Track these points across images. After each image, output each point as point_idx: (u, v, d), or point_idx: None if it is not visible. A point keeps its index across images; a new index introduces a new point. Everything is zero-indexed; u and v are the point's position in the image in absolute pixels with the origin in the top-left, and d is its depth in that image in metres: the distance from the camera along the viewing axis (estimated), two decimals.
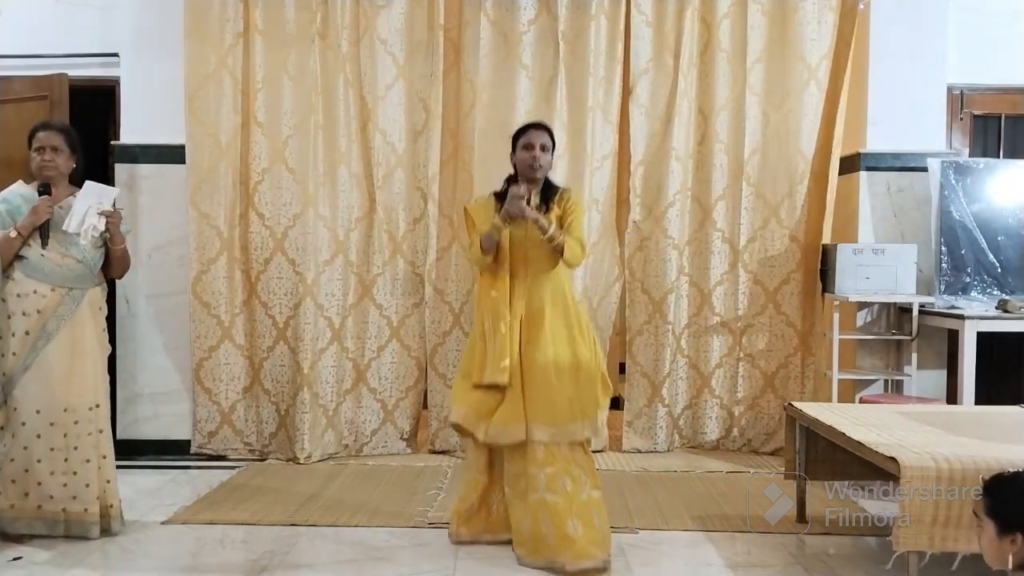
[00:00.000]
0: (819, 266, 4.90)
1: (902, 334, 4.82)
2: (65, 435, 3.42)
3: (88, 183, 3.49)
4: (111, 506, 3.56)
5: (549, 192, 3.46)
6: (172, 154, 4.85)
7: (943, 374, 4.83)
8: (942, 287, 4.66)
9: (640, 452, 5.01)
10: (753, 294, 5.03)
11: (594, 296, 4.96)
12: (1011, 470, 2.18)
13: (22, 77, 4.88)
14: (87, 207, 3.43)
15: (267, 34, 4.82)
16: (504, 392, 3.32)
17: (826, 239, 4.88)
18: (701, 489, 4.33)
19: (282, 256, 4.84)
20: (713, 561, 3.40)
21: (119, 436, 4.77)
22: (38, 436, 3.41)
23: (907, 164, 4.85)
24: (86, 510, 3.47)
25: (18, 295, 3.41)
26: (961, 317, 4.38)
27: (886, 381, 4.96)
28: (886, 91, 4.87)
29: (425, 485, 4.35)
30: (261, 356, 4.90)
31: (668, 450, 5.04)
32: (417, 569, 3.30)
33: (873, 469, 3.13)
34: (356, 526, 3.75)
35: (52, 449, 3.42)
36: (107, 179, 4.57)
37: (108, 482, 3.55)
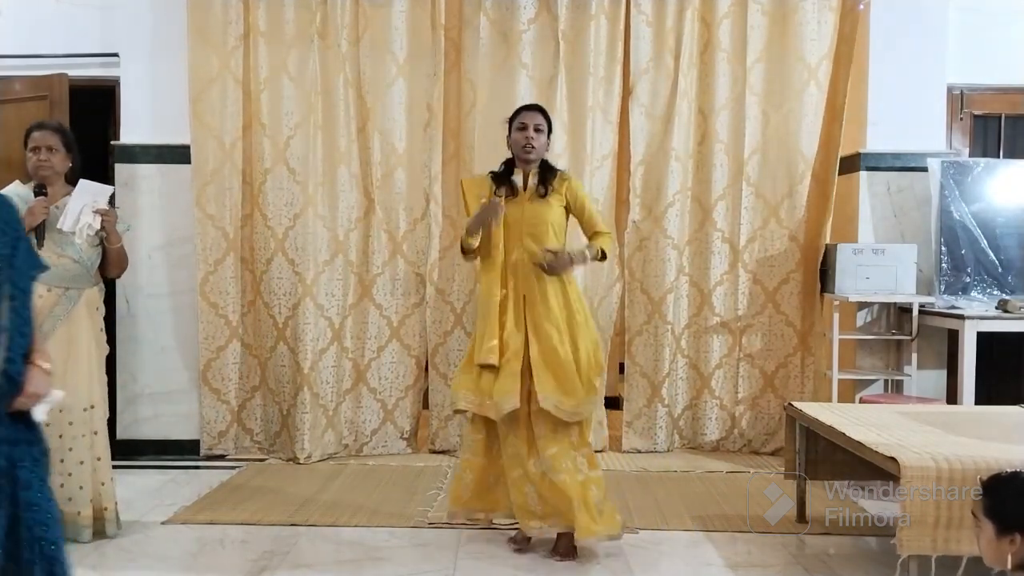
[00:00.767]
0: (819, 266, 4.90)
1: (902, 334, 4.82)
2: (60, 436, 3.38)
3: (83, 181, 3.48)
4: (106, 509, 3.54)
5: (548, 175, 3.45)
6: (172, 154, 4.85)
7: (943, 374, 4.83)
8: (942, 287, 4.66)
9: (640, 452, 5.01)
10: (753, 294, 5.03)
11: (595, 296, 4.96)
12: (1009, 470, 2.18)
13: (22, 77, 4.88)
14: (82, 205, 3.42)
15: (268, 35, 4.83)
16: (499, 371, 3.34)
17: (826, 239, 4.88)
18: (701, 489, 4.33)
19: (282, 256, 4.84)
20: (713, 561, 3.40)
21: (119, 436, 4.79)
22: None
23: (907, 164, 4.85)
24: (79, 513, 3.44)
25: None
26: (961, 317, 4.38)
27: (886, 381, 4.96)
28: (886, 91, 4.87)
29: (425, 485, 4.35)
30: (265, 356, 4.91)
31: (668, 450, 5.04)
32: (417, 569, 3.30)
33: (873, 469, 3.13)
34: (356, 526, 3.75)
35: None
36: (107, 179, 4.57)
37: (103, 484, 3.53)
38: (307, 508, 3.98)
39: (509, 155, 3.52)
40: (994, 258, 4.66)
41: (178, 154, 4.83)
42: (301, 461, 4.75)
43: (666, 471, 4.66)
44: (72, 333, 3.44)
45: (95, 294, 3.57)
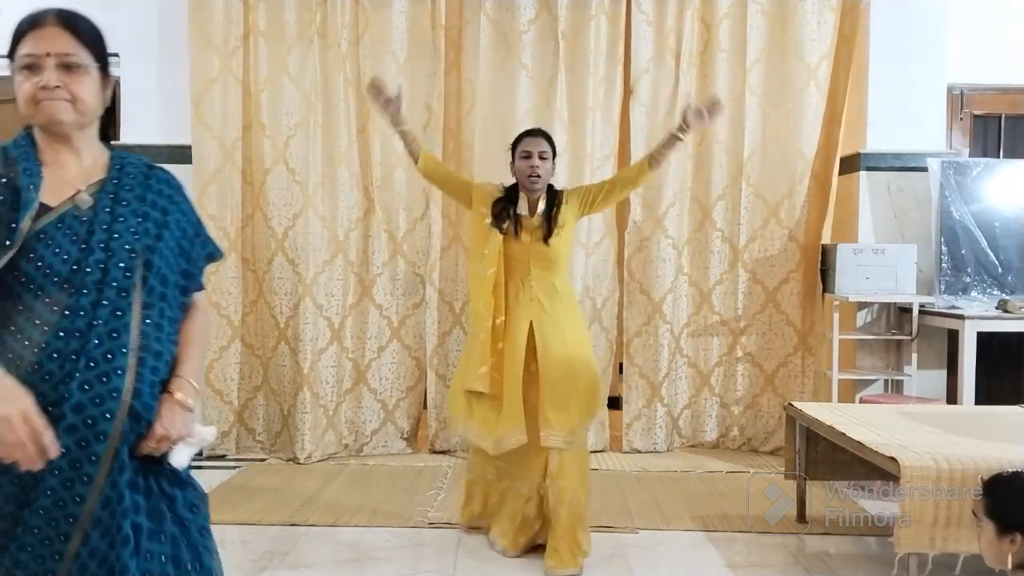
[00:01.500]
0: (819, 266, 4.90)
1: (902, 334, 4.82)
2: None
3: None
4: None
5: (554, 199, 3.40)
6: (173, 154, 4.84)
7: (943, 374, 4.83)
8: (942, 287, 4.66)
9: (640, 452, 5.01)
10: (753, 294, 5.04)
11: (597, 296, 4.96)
12: (1009, 470, 2.18)
13: None
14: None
15: (268, 36, 4.83)
16: (500, 401, 3.31)
17: (826, 239, 4.88)
18: (701, 489, 4.33)
19: (282, 256, 4.85)
20: (713, 561, 3.40)
21: None
22: None
23: (907, 164, 4.84)
24: None
25: None
26: (961, 317, 4.38)
27: (886, 381, 4.96)
28: (886, 91, 4.87)
29: (425, 485, 4.35)
30: (267, 356, 4.92)
31: (668, 450, 5.04)
32: (417, 569, 3.30)
33: (873, 469, 3.13)
34: (356, 526, 3.75)
35: None
36: None
37: None
38: (307, 508, 3.98)
39: (510, 171, 3.47)
40: (994, 258, 4.66)
41: (179, 154, 4.82)
42: (301, 461, 4.75)
43: (666, 471, 4.66)
44: None
45: None
